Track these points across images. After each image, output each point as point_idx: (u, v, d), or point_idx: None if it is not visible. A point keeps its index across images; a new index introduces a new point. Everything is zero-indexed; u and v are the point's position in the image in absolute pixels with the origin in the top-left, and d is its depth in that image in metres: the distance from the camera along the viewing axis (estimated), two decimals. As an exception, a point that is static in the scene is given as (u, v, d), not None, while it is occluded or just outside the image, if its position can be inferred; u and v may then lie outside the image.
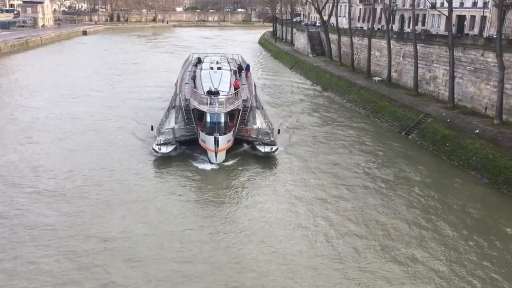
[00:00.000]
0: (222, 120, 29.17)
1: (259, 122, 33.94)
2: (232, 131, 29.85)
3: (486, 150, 28.83)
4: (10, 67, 69.88)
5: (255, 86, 40.07)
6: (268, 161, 29.86)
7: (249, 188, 26.13)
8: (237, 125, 31.19)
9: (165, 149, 29.24)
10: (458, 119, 34.22)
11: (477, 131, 31.15)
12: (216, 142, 27.49)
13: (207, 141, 28.37)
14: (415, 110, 38.53)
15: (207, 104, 29.81)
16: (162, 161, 29.08)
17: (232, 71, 40.53)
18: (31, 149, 31.39)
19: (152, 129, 31.67)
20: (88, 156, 30.22)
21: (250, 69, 45.16)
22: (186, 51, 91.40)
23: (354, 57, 60.18)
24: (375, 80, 51.38)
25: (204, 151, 29.47)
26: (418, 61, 43.51)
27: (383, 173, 28.45)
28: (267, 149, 30.03)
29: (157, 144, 29.67)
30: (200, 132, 29.67)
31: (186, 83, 37.79)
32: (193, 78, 36.83)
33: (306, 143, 34.04)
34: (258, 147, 30.46)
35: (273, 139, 30.99)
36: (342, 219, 22.51)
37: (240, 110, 31.43)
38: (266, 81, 60.89)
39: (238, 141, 31.20)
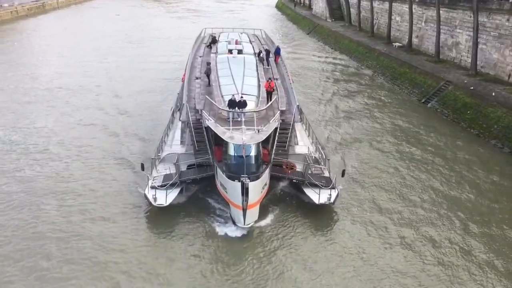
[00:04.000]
0: (253, 153, 18.81)
1: (303, 144, 23.29)
2: (268, 168, 19.30)
3: (508, 118, 28.26)
4: (26, 31, 70.07)
5: (291, 82, 28.17)
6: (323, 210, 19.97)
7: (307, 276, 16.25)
8: (273, 153, 20.85)
9: (163, 199, 18.88)
10: (480, 87, 33.42)
11: (493, 94, 30.77)
12: (245, 191, 17.21)
13: (230, 189, 18.16)
14: (435, 77, 37.70)
15: (229, 123, 19.72)
16: (158, 216, 19.12)
17: (258, 57, 31.31)
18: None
19: (142, 168, 20.96)
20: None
21: (281, 52, 32.88)
22: (200, 15, 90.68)
23: (374, 22, 58.66)
24: (395, 46, 50.19)
25: (224, 200, 19.34)
26: (441, 26, 42.21)
27: (410, 149, 28.25)
28: (323, 198, 19.45)
29: (151, 187, 19.38)
30: (219, 169, 19.04)
31: (197, 78, 27.55)
32: (207, 73, 27.31)
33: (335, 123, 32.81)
34: (307, 191, 20.03)
35: (328, 176, 20.72)
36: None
37: (277, 128, 21.43)
38: (282, 44, 59.92)
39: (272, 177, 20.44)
